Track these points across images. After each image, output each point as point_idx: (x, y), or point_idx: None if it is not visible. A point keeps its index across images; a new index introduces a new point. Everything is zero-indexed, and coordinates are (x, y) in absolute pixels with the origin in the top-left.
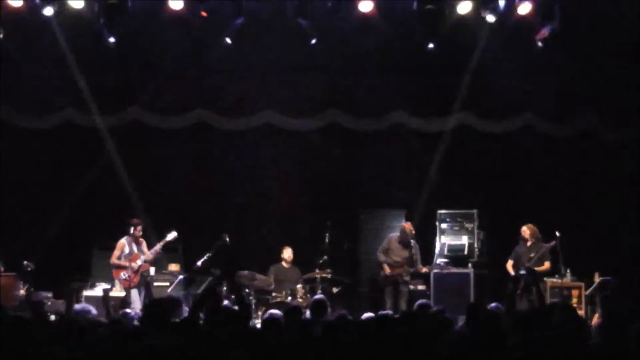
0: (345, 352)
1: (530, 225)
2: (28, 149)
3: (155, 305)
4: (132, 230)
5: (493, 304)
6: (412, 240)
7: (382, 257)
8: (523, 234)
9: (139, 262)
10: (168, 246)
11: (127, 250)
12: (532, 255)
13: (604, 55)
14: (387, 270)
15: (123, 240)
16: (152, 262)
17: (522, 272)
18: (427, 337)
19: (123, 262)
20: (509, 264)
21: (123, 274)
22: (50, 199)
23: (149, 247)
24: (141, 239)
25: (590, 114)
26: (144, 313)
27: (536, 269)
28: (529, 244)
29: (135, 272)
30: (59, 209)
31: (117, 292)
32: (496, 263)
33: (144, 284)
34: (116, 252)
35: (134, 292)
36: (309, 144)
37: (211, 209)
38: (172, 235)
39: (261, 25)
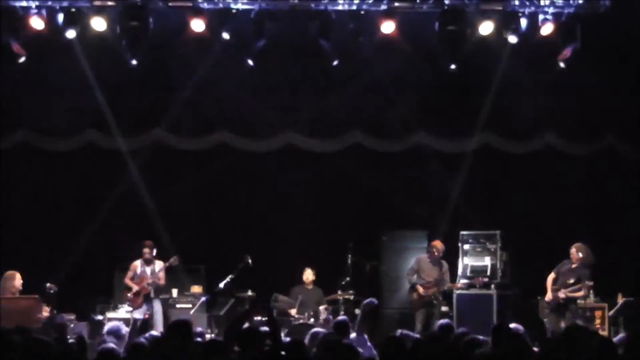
0: None
1: (580, 246)
2: (50, 171)
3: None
4: (142, 252)
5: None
6: (442, 260)
7: (413, 279)
8: (571, 254)
9: (144, 285)
10: (190, 268)
11: (138, 271)
12: (571, 281)
13: (625, 75)
14: (422, 290)
15: (137, 262)
16: (169, 284)
17: (562, 297)
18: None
19: (131, 283)
20: (550, 278)
21: (129, 296)
22: (72, 221)
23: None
24: (156, 261)
25: (611, 134)
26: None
27: (570, 295)
28: (573, 266)
29: (136, 295)
30: (81, 231)
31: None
32: (519, 284)
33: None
34: (129, 273)
35: (135, 314)
36: (330, 165)
37: (233, 231)
38: (173, 259)
39: (283, 47)
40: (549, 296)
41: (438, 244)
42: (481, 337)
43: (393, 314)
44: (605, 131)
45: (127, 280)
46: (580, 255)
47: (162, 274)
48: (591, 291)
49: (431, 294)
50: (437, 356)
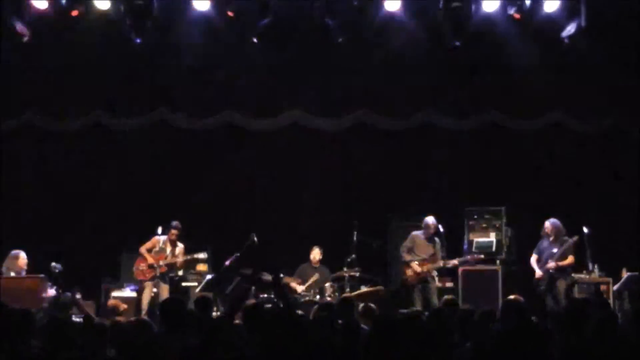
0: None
1: (553, 221)
2: (55, 151)
3: (170, 304)
4: (170, 232)
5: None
6: (435, 237)
7: (407, 257)
8: (545, 230)
9: (161, 262)
10: (196, 247)
11: (158, 247)
12: (554, 250)
13: (632, 50)
14: (418, 268)
15: (160, 237)
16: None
17: (551, 266)
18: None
19: (147, 255)
20: (534, 259)
21: (141, 266)
22: (79, 201)
23: (185, 254)
24: (178, 243)
25: (618, 111)
26: (160, 311)
27: (560, 263)
28: (551, 239)
29: (150, 266)
30: (87, 211)
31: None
32: (524, 260)
33: (153, 284)
34: (148, 244)
35: (147, 285)
36: (336, 144)
37: (239, 209)
38: (202, 254)
39: (288, 25)
40: (538, 274)
41: (430, 220)
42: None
43: (398, 293)
44: (612, 108)
45: (143, 250)
46: (552, 228)
47: (180, 258)
48: (596, 266)
49: (426, 271)
50: (439, 332)
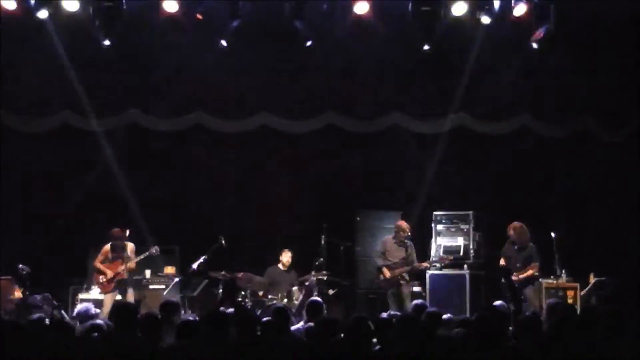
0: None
1: (516, 226)
2: (24, 151)
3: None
4: (116, 238)
5: (498, 302)
6: (407, 241)
7: (380, 261)
8: (509, 235)
9: (119, 270)
10: (164, 249)
11: (111, 255)
12: (518, 265)
13: (600, 55)
14: (387, 274)
15: (107, 247)
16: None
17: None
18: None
19: (103, 268)
20: (502, 263)
21: (101, 278)
22: (46, 202)
23: (137, 251)
24: (126, 243)
25: (587, 115)
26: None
27: (521, 276)
28: (516, 247)
29: (110, 280)
30: (55, 212)
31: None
32: (492, 264)
33: (118, 291)
34: (100, 257)
35: (107, 297)
36: (305, 146)
37: (207, 212)
38: (154, 249)
39: (257, 28)
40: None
41: (402, 224)
42: (447, 315)
43: (367, 295)
44: (580, 113)
45: (98, 264)
46: (515, 236)
47: (134, 257)
48: (564, 271)
49: (397, 275)
50: (407, 336)
